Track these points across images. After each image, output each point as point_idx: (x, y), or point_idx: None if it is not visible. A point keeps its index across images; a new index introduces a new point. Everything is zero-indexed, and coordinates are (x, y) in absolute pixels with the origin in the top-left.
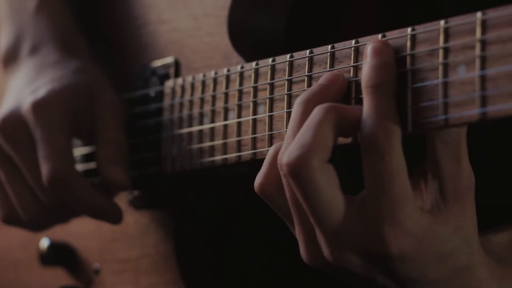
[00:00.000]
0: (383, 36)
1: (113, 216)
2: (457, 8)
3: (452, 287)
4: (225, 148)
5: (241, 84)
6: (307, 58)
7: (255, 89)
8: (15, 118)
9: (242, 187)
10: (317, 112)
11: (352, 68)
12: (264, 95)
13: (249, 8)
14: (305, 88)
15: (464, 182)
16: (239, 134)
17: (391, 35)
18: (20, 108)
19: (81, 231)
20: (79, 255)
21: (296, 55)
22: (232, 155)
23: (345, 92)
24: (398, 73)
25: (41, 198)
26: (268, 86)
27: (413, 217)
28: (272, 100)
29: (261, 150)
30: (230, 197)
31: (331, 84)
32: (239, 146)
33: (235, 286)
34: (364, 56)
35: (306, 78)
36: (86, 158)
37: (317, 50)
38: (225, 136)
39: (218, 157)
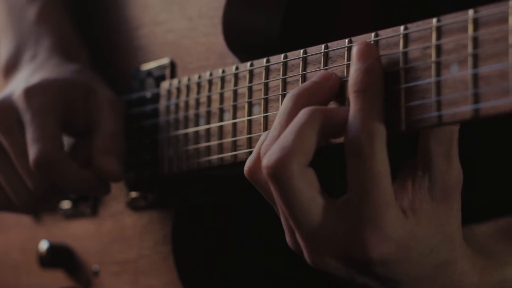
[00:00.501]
0: (376, 35)
1: (102, 189)
2: (451, 7)
3: (434, 282)
4: (221, 149)
5: (236, 84)
6: (301, 58)
7: (250, 90)
8: (6, 104)
9: (239, 187)
10: (301, 115)
11: (345, 67)
12: (259, 95)
13: (243, 8)
14: None
15: (454, 180)
16: (234, 134)
17: (384, 34)
18: (12, 95)
19: (80, 233)
20: (78, 257)
21: (290, 55)
22: (228, 155)
23: (336, 91)
24: (383, 75)
25: (28, 184)
26: (262, 87)
27: (395, 223)
28: (267, 101)
29: None
30: (227, 197)
31: (323, 82)
32: (234, 146)
33: (233, 286)
34: (351, 58)
35: (300, 78)
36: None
37: (311, 50)
38: (220, 136)
39: (214, 157)
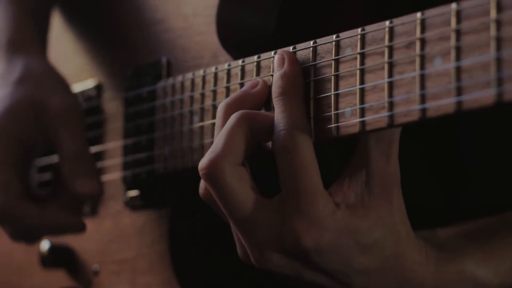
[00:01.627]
0: (363, 29)
1: (75, 228)
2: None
3: (386, 274)
4: None
5: (228, 81)
6: None
7: (242, 86)
8: None
9: None
10: (230, 119)
11: (333, 62)
12: None
13: (237, 7)
14: None
15: (391, 177)
16: None
17: (371, 28)
18: None
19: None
20: (78, 256)
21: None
22: None
23: (264, 97)
24: (302, 80)
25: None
26: None
27: (324, 211)
28: None
29: None
30: None
31: (250, 89)
32: None
33: (230, 285)
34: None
35: None
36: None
37: (300, 46)
38: (214, 134)
39: None
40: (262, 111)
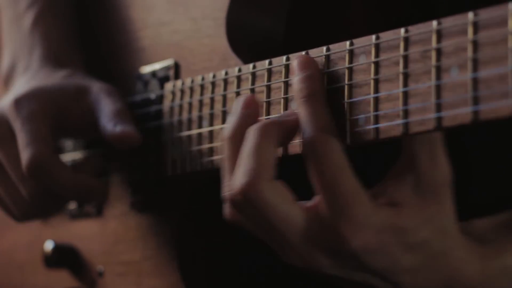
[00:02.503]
0: (377, 37)
1: (99, 195)
2: (452, 8)
3: (432, 272)
4: None
5: (238, 86)
6: None
7: (252, 92)
8: None
9: None
10: (252, 135)
11: (346, 70)
12: (261, 97)
13: (247, 9)
14: None
15: (440, 178)
16: None
17: (385, 36)
18: (3, 107)
19: (85, 234)
20: (83, 257)
21: (292, 57)
22: None
23: (257, 113)
24: (323, 82)
25: (22, 192)
26: (265, 89)
27: (366, 211)
28: (269, 104)
29: None
30: None
31: (248, 107)
32: None
33: None
34: (292, 71)
35: None
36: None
37: (312, 52)
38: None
39: (217, 159)
40: (281, 115)
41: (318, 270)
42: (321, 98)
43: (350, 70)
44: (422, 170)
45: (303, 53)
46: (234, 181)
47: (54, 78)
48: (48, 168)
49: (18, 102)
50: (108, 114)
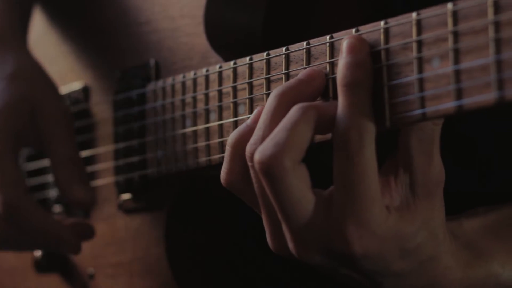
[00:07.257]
0: (357, 30)
1: (72, 246)
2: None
3: (417, 277)
4: (208, 149)
5: (220, 84)
6: (283, 56)
7: (235, 89)
8: None
9: None
10: (294, 111)
11: (328, 65)
12: (243, 94)
13: (224, 6)
14: None
15: (435, 179)
16: (221, 135)
17: (365, 29)
18: None
19: None
20: (73, 261)
21: (273, 53)
22: (215, 156)
23: (322, 89)
24: (373, 69)
25: None
26: (247, 86)
27: (379, 219)
28: (252, 100)
29: None
30: (219, 197)
31: (309, 80)
32: (222, 146)
33: (228, 286)
34: (340, 52)
35: (284, 76)
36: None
37: (293, 47)
38: (207, 137)
39: (202, 159)
40: (325, 102)
41: (305, 259)
42: (365, 88)
43: (332, 64)
44: (419, 169)
45: (354, 32)
46: (264, 145)
47: (2, 82)
48: (22, 212)
49: None
50: (62, 165)
